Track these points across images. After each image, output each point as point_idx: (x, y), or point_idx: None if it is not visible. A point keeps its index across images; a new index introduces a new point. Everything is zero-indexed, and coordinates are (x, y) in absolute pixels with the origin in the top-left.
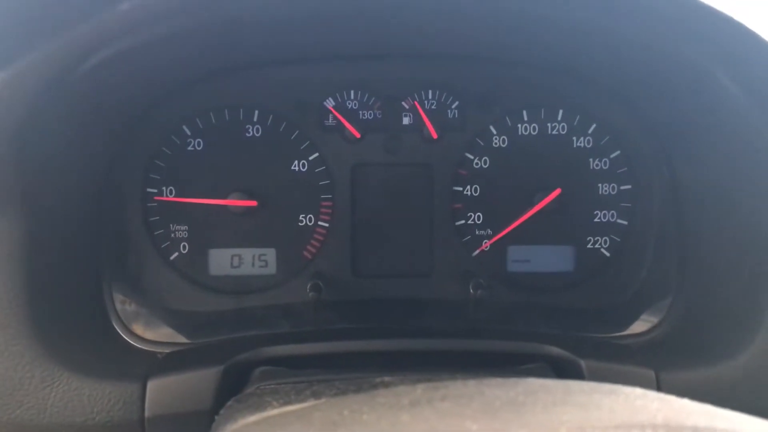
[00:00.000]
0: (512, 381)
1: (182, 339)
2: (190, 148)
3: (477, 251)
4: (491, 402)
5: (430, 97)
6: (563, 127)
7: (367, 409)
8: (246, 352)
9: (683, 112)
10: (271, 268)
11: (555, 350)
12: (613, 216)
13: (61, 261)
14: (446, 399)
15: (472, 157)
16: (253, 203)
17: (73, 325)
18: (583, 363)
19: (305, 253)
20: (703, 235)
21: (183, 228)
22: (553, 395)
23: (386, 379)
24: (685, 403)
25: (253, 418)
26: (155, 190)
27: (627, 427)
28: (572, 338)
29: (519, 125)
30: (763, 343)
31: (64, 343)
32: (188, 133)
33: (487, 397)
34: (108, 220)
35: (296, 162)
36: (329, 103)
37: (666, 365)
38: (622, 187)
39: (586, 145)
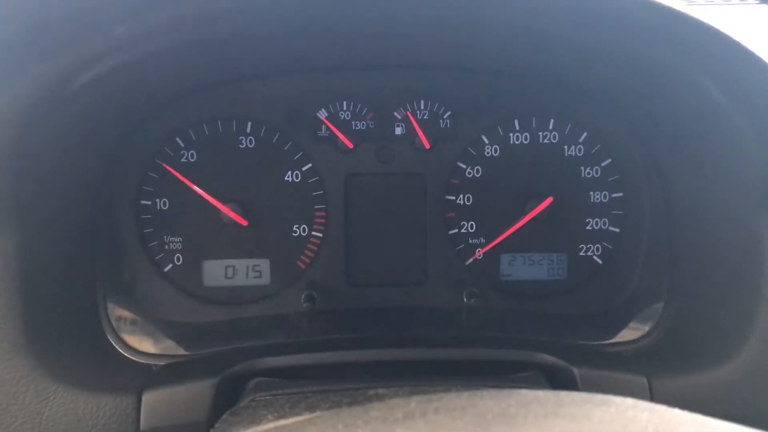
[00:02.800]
0: (505, 392)
1: (177, 351)
2: (183, 159)
3: (470, 260)
4: (484, 414)
5: (422, 107)
6: (555, 136)
7: (362, 422)
8: (241, 363)
9: (673, 121)
10: (265, 279)
11: (548, 358)
12: (605, 224)
13: (56, 274)
14: (439, 412)
15: (464, 167)
16: (244, 222)
17: (67, 339)
18: (576, 371)
19: (299, 263)
20: (694, 243)
21: (177, 240)
22: (544, 407)
23: (380, 391)
24: (676, 412)
25: None
26: (149, 202)
27: None
28: (565, 346)
29: (511, 134)
30: (753, 349)
31: (58, 356)
32: (181, 145)
33: (480, 409)
34: (102, 232)
35: (289, 173)
36: (322, 114)
37: (658, 372)
38: (614, 195)
39: (577, 153)
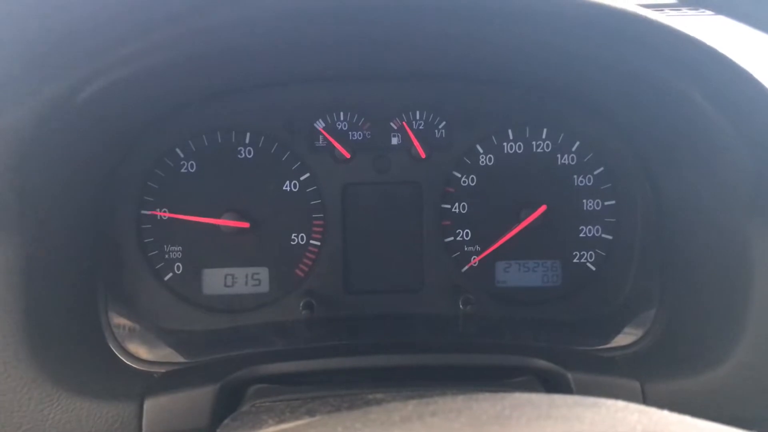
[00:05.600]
0: (500, 396)
1: (178, 358)
2: (183, 170)
3: (466, 267)
4: (478, 416)
5: (417, 117)
6: (548, 145)
7: (360, 425)
8: (241, 370)
9: (663, 130)
10: (264, 287)
11: (542, 363)
12: (598, 231)
13: (58, 283)
14: (436, 414)
15: (459, 176)
16: (246, 225)
17: (70, 347)
18: (570, 376)
19: (298, 271)
20: (685, 249)
21: (177, 249)
22: (537, 409)
23: (379, 395)
24: (664, 414)
25: None
26: (149, 212)
27: None
28: (559, 351)
29: (505, 144)
30: (744, 353)
31: (61, 364)
32: (181, 155)
33: (475, 412)
34: (103, 242)
35: (288, 182)
36: (319, 125)
37: (651, 376)
38: (607, 203)
39: (570, 162)
